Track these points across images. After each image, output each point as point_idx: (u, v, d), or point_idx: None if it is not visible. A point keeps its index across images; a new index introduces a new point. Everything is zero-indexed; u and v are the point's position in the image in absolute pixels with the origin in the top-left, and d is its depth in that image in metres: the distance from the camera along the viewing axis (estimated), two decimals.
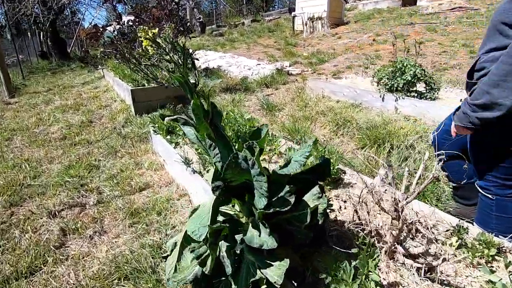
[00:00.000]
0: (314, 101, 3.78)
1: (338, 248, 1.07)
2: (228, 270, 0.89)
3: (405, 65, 3.01)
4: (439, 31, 7.26)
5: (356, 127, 2.93)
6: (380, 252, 1.27)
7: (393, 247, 1.22)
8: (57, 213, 2.23)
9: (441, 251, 1.29)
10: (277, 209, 0.81)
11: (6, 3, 9.74)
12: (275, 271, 0.82)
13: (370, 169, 2.19)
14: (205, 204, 0.93)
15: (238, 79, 5.64)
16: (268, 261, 0.86)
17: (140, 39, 0.90)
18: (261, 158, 2.08)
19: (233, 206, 1.22)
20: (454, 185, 1.78)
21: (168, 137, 2.63)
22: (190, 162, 2.00)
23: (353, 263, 0.97)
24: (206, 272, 0.87)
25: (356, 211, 1.12)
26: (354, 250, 1.20)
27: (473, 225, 1.47)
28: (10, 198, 2.42)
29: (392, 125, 2.73)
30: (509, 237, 1.24)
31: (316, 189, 0.96)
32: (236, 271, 0.90)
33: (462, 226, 1.31)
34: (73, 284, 1.61)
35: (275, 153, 2.31)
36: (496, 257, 1.21)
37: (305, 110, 3.57)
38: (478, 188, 1.39)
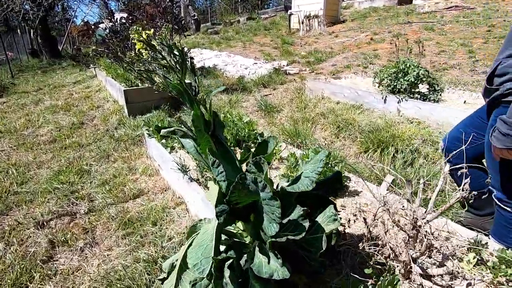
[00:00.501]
0: (314, 102, 3.69)
1: (355, 275, 0.97)
2: None
3: (408, 65, 2.93)
4: (436, 30, 7.22)
5: (358, 130, 2.85)
6: (394, 272, 1.18)
7: (408, 267, 1.13)
8: (45, 223, 2.10)
9: (458, 268, 1.21)
10: (291, 237, 0.71)
11: None
12: None
13: (376, 175, 2.10)
14: (206, 228, 0.82)
15: (235, 78, 5.52)
16: None
17: (133, 41, 0.79)
18: None
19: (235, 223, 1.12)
20: (465, 194, 1.70)
21: (163, 141, 2.51)
22: (187, 170, 1.89)
23: None
24: None
25: (369, 230, 1.03)
26: (367, 271, 1.11)
27: (488, 238, 1.39)
28: None
29: (395, 128, 2.65)
30: None
31: (331, 210, 0.86)
32: None
33: (481, 241, 1.23)
34: None
35: (276, 158, 2.21)
36: None
37: (305, 112, 3.47)
38: (496, 200, 1.30)
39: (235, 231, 1.04)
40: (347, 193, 1.81)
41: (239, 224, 1.07)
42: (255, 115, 3.73)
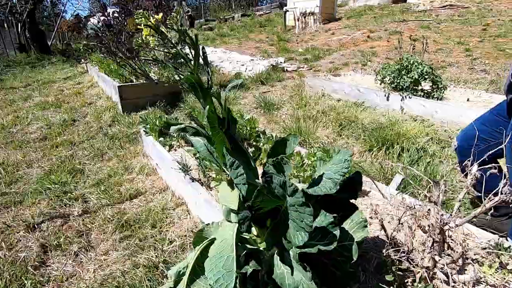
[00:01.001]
0: (314, 100, 3.62)
1: (381, 284, 0.90)
2: None
3: (411, 62, 2.88)
4: (432, 29, 7.23)
5: (361, 128, 2.79)
6: (415, 278, 1.12)
7: (431, 273, 1.07)
8: (36, 226, 1.98)
9: (479, 273, 1.16)
10: (322, 247, 0.63)
11: None
12: None
13: (383, 174, 2.05)
14: (223, 235, 0.74)
15: (232, 75, 5.42)
16: None
17: (139, 27, 0.69)
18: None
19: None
20: (479, 194, 1.65)
21: (161, 139, 2.41)
22: (189, 169, 1.79)
23: None
24: None
25: (387, 234, 0.96)
26: (388, 277, 1.04)
27: (507, 240, 1.35)
28: None
29: (399, 126, 2.59)
30: None
31: (360, 216, 0.79)
32: None
33: (503, 245, 1.17)
34: None
35: None
36: None
37: (305, 109, 3.40)
38: None
39: (247, 237, 0.95)
40: None
41: (252, 229, 0.98)
42: (255, 112, 3.64)
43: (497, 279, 1.13)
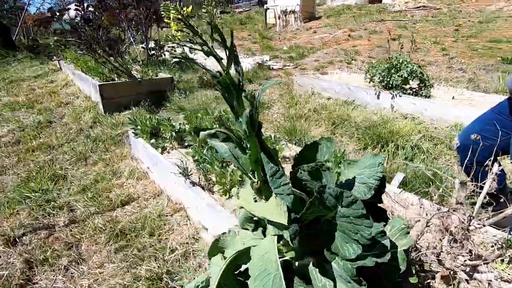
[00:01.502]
0: (304, 98, 3.61)
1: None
2: None
3: (400, 61, 2.94)
4: (409, 29, 7.50)
5: (355, 126, 2.81)
6: (435, 277, 1.12)
7: (452, 273, 1.07)
8: (17, 239, 1.81)
9: (492, 269, 1.18)
10: (376, 259, 0.59)
11: None
12: None
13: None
14: (262, 250, 0.67)
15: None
16: None
17: (166, 20, 0.61)
18: None
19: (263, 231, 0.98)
20: (499, 187, 1.69)
21: (153, 141, 2.28)
22: (189, 173, 1.70)
23: None
24: None
25: (417, 239, 0.94)
26: (413, 280, 1.03)
27: (510, 234, 1.39)
28: None
29: (391, 124, 2.64)
30: None
31: (400, 222, 0.76)
32: None
33: (510, 240, 1.20)
34: None
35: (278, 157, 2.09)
36: None
37: (297, 108, 3.38)
38: None
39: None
40: None
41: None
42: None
43: (509, 274, 1.16)
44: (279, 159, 2.09)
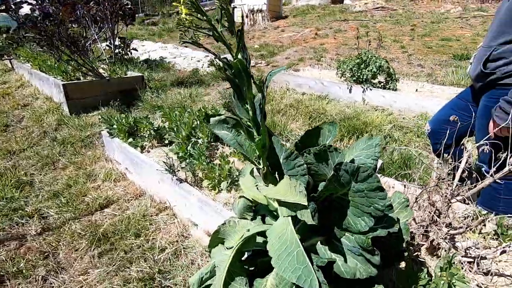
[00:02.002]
0: (280, 94, 3.67)
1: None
2: None
3: (369, 57, 3.12)
4: (370, 28, 7.93)
5: (330, 119, 2.92)
6: (420, 250, 1.21)
7: (436, 243, 1.17)
8: None
9: (467, 239, 1.30)
10: (388, 230, 0.63)
11: None
12: None
13: None
14: (278, 232, 0.68)
15: (188, 71, 5.19)
16: None
17: (175, 3, 0.60)
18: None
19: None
20: (483, 166, 1.84)
21: (131, 140, 2.19)
22: (177, 170, 1.66)
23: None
24: None
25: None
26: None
27: (476, 207, 1.54)
28: None
29: (364, 116, 2.79)
30: None
31: (401, 197, 0.81)
32: None
33: (485, 214, 1.34)
34: None
35: None
36: None
37: (273, 104, 3.43)
38: (485, 174, 1.44)
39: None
40: None
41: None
42: (221, 108, 3.54)
43: (482, 243, 1.29)
44: None
